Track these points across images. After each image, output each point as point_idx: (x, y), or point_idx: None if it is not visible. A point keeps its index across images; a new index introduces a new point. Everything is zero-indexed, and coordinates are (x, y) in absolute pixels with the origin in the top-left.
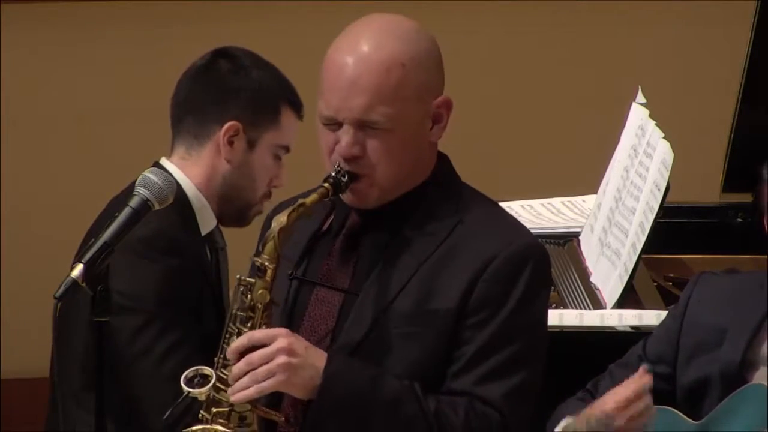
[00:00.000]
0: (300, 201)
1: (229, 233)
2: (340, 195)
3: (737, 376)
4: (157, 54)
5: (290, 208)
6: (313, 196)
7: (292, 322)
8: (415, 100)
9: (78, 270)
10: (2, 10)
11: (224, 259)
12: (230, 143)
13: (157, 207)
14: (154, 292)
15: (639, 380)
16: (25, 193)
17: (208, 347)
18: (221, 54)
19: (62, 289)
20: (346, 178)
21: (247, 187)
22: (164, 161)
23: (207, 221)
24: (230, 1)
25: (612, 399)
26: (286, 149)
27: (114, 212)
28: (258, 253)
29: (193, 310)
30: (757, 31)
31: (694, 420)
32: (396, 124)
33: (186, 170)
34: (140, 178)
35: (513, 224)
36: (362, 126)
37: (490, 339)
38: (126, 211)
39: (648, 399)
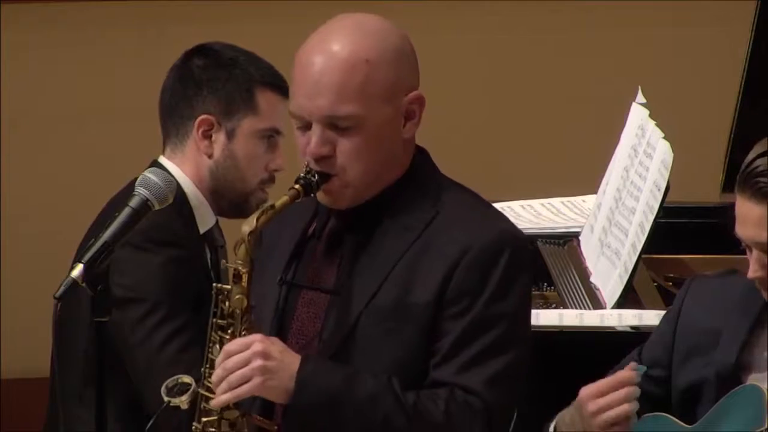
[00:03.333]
0: (269, 203)
1: (228, 232)
2: (315, 196)
3: (732, 378)
4: (156, 54)
5: (258, 211)
6: (284, 199)
7: (282, 326)
8: (383, 96)
9: (78, 270)
10: (2, 10)
11: (224, 258)
12: (208, 137)
13: (157, 207)
14: (155, 282)
15: (619, 373)
16: (25, 193)
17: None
18: (195, 51)
19: (62, 289)
20: (317, 178)
21: (235, 178)
22: (162, 159)
23: (205, 219)
24: (230, 1)
25: (587, 391)
26: (275, 131)
27: (113, 212)
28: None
29: (194, 300)
30: (757, 31)
31: (689, 424)
32: (364, 121)
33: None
34: (140, 178)
35: (490, 212)
36: (330, 125)
37: (469, 327)
38: (126, 211)
39: (627, 393)
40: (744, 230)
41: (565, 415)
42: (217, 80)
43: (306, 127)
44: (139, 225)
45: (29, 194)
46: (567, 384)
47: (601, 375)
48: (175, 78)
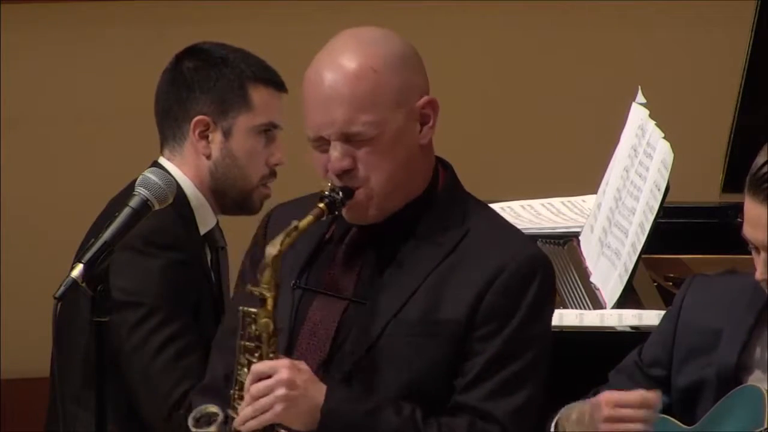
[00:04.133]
0: (294, 224)
1: (229, 233)
2: (340, 213)
3: (733, 378)
4: (157, 54)
5: (283, 234)
6: (309, 218)
7: (294, 329)
8: (394, 103)
9: (78, 270)
10: (2, 10)
11: (224, 259)
12: (204, 138)
13: (157, 207)
14: (154, 286)
15: (645, 392)
16: (25, 193)
17: (206, 347)
18: (185, 53)
19: (62, 289)
20: (341, 195)
21: (236, 176)
22: (162, 160)
23: (206, 220)
24: (230, 1)
25: (608, 396)
26: (272, 125)
27: (113, 212)
28: (256, 282)
29: (193, 304)
30: (757, 31)
31: (689, 423)
32: (379, 129)
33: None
34: (140, 178)
35: (519, 236)
36: (348, 139)
37: (498, 352)
38: (126, 211)
39: (646, 415)
40: (753, 232)
41: (572, 412)
42: (209, 80)
43: (324, 146)
44: (139, 226)
45: (29, 194)
46: (567, 384)
47: (601, 375)
48: (167, 81)
